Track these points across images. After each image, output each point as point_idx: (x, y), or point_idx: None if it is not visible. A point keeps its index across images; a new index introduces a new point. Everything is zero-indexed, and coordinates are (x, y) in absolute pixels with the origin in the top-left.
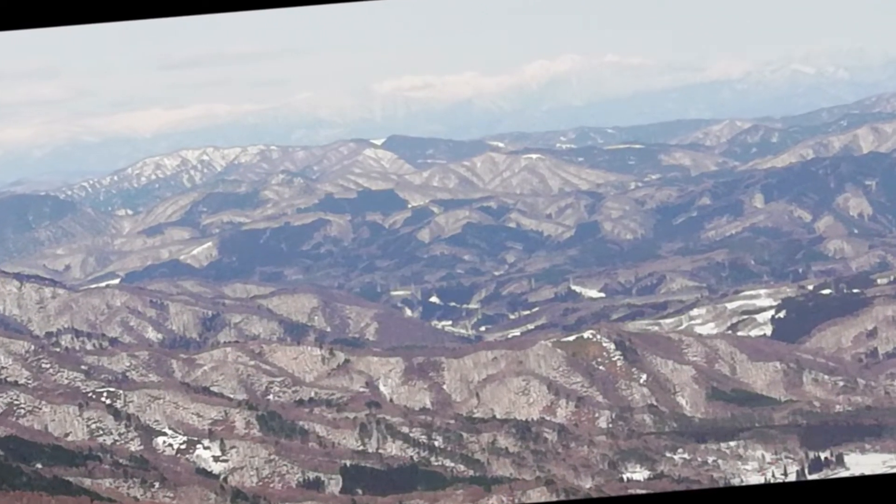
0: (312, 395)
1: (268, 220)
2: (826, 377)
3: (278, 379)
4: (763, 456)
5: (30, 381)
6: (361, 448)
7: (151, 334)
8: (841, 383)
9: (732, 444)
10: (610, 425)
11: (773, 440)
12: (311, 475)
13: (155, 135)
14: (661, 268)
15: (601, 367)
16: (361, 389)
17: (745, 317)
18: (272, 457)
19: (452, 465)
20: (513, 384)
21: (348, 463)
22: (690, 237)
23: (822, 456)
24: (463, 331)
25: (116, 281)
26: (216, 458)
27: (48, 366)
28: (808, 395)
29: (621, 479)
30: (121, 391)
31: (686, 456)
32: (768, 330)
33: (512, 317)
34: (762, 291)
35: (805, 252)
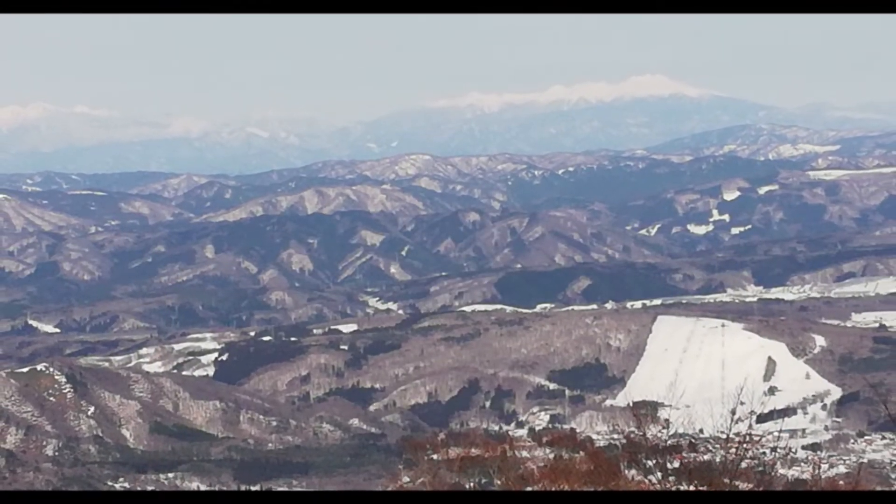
0: None
1: None
2: (261, 417)
3: None
4: (199, 487)
5: None
6: None
7: None
8: (274, 423)
9: (171, 475)
10: (56, 453)
11: (209, 473)
12: None
13: None
14: (116, 308)
15: (52, 399)
16: None
17: (190, 358)
18: None
19: None
20: None
21: None
22: (144, 281)
23: (253, 489)
24: None
25: None
26: None
27: None
28: (244, 433)
29: None
30: None
31: (127, 485)
32: (211, 371)
33: None
34: (208, 335)
35: (249, 301)
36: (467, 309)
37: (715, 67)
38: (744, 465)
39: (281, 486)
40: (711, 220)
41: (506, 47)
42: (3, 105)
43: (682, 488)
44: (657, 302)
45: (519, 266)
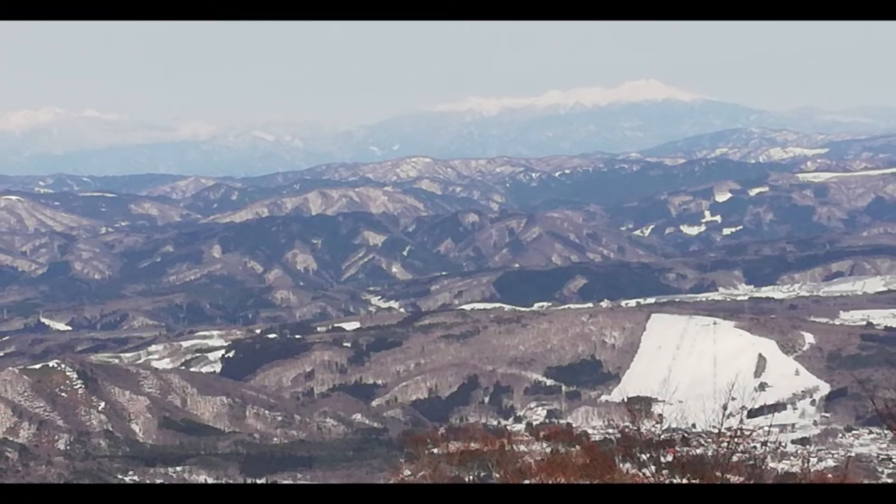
0: None
1: None
2: (267, 412)
3: None
4: (206, 480)
5: None
6: None
7: None
8: (280, 418)
9: (179, 468)
10: (68, 447)
11: (216, 466)
12: None
13: None
14: (125, 307)
15: (63, 394)
16: None
17: (198, 354)
18: None
19: None
20: None
21: None
22: (153, 280)
23: (259, 482)
24: None
25: None
26: None
27: None
28: (250, 428)
29: None
30: None
31: (136, 478)
32: (218, 367)
33: None
34: (215, 332)
35: (255, 299)
36: (467, 307)
37: (707, 72)
38: (735, 458)
39: (286, 480)
40: (704, 221)
41: (504, 53)
42: (17, 109)
43: (675, 481)
44: (651, 300)
45: (517, 266)
